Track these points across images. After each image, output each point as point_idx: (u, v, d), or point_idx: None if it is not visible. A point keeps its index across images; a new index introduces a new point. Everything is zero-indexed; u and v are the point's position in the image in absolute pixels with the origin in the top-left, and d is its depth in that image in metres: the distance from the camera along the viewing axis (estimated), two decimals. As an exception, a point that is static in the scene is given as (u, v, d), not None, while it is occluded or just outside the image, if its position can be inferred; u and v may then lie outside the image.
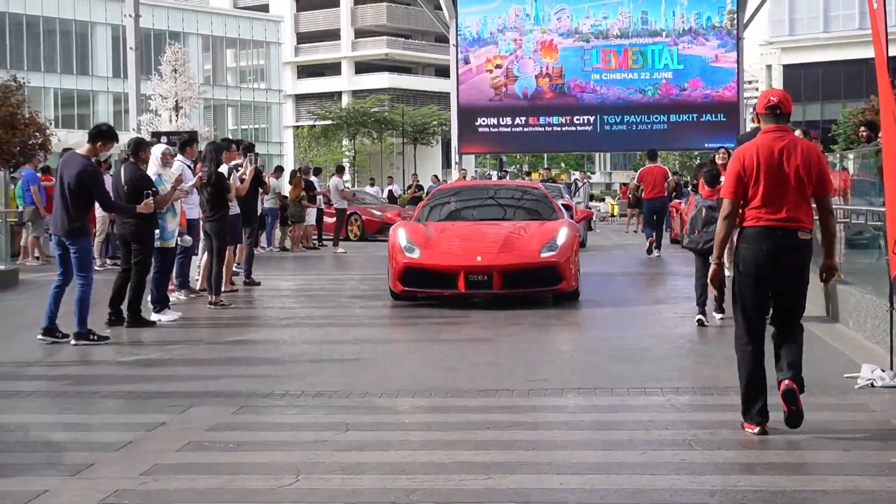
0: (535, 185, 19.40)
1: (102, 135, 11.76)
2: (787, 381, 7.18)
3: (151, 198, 12.43)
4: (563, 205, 18.31)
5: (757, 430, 7.20)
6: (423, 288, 14.57)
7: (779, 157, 7.19)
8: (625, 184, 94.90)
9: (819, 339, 11.10)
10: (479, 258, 14.24)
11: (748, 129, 14.91)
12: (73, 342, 11.43)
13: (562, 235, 14.69)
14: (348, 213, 29.93)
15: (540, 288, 14.52)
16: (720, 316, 12.96)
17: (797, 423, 7.16)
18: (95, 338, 11.56)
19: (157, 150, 14.07)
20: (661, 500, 5.78)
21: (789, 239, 7.20)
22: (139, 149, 13.16)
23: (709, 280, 7.67)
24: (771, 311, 7.47)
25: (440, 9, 38.86)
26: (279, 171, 28.87)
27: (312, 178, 29.62)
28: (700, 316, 12.83)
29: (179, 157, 15.05)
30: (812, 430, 7.31)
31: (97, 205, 12.67)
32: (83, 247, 11.53)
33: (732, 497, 5.80)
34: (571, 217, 17.74)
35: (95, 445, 7.15)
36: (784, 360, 7.36)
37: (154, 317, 13.28)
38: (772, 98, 7.37)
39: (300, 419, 7.90)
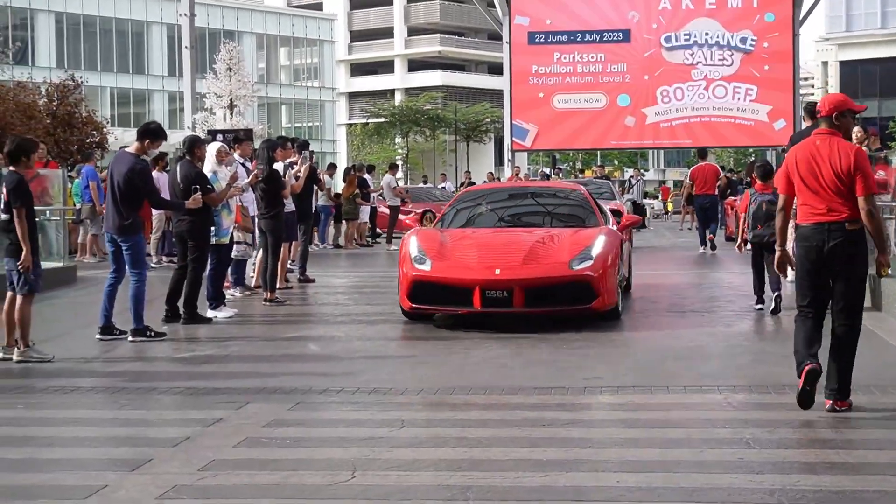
0: (576, 187, 15.39)
1: (150, 133, 11.93)
2: (814, 364, 7.64)
3: (199, 193, 12.51)
4: (612, 209, 15.62)
5: (808, 369, 7.62)
6: (434, 305, 12.31)
7: (815, 158, 7.80)
8: (662, 182, 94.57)
9: (875, 335, 10.98)
10: (497, 271, 11.97)
11: (803, 128, 14.72)
12: (129, 339, 11.52)
13: (598, 244, 12.36)
14: (422, 209, 29.81)
15: (570, 306, 12.09)
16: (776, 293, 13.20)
17: (808, 404, 7.61)
18: (152, 334, 11.65)
19: (212, 148, 14.18)
20: (719, 500, 5.73)
21: (836, 231, 7.72)
22: (194, 146, 13.24)
23: (774, 266, 8.60)
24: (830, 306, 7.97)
25: (493, 6, 38.80)
26: (332, 168, 28.95)
27: (366, 176, 29.70)
28: (759, 305, 13.45)
29: (234, 154, 15.16)
30: (872, 428, 7.24)
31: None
32: (135, 243, 11.63)
33: (792, 496, 5.75)
34: (619, 223, 14.55)
35: (153, 441, 7.20)
36: (832, 367, 7.85)
37: (210, 313, 13.36)
38: (830, 105, 7.94)
39: (356, 416, 7.92)
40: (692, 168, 26.84)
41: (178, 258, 13.54)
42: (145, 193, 11.85)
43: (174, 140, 49.66)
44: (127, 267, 11.63)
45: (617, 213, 15.90)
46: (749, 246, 13.47)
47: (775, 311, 12.96)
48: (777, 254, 8.30)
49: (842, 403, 7.76)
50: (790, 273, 10.22)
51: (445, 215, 14.24)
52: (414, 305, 12.37)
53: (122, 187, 11.51)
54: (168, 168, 22.13)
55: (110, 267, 11.91)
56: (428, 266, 12.31)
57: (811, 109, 13.12)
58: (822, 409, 7.74)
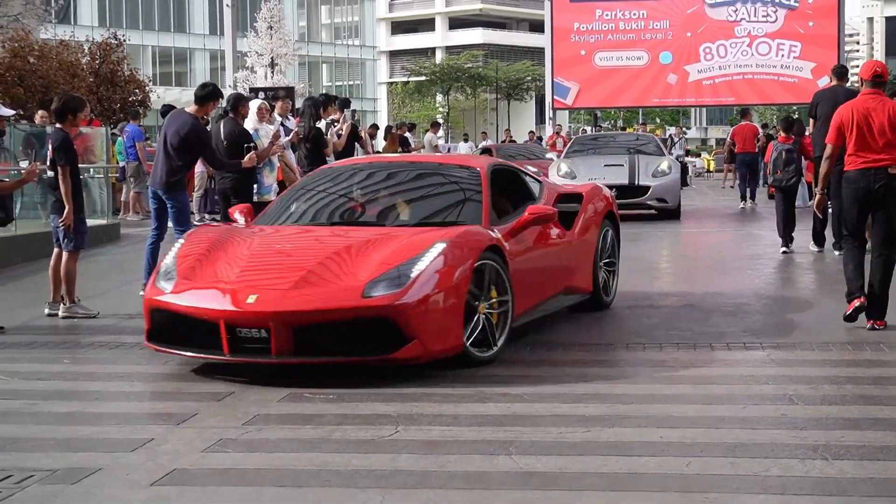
0: (476, 164, 9.90)
1: (210, 96, 11.84)
2: (863, 300, 9.16)
3: (254, 152, 12.52)
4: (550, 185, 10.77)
5: (857, 304, 9.16)
6: (173, 347, 8.04)
7: (870, 114, 9.12)
8: (704, 140, 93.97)
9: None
10: (252, 298, 7.72)
11: (827, 88, 14.82)
12: None
13: (428, 258, 7.90)
14: None
15: (362, 355, 7.75)
16: (817, 249, 14.85)
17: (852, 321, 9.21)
18: None
19: (253, 106, 14.19)
20: (762, 455, 5.72)
21: (881, 174, 9.07)
22: (238, 104, 13.24)
23: (815, 207, 10.06)
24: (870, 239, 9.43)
25: (535, -37, 38.63)
26: (374, 128, 28.93)
27: (407, 134, 29.66)
28: (784, 248, 14.90)
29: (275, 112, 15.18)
30: (917, 385, 7.21)
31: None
32: (180, 201, 11.65)
33: (835, 452, 5.73)
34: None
35: (198, 396, 7.26)
36: (872, 292, 9.19)
37: None
38: (877, 69, 9.39)
39: (400, 372, 7.93)
40: (734, 127, 28.65)
41: (220, 215, 13.58)
42: (204, 154, 11.83)
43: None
44: (172, 224, 11.67)
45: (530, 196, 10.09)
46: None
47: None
48: (818, 196, 9.87)
49: (880, 322, 9.16)
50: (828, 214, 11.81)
51: (279, 202, 9.99)
52: (151, 345, 8.20)
53: (176, 145, 11.44)
54: (209, 126, 22.23)
55: (152, 224, 11.94)
56: (170, 286, 8.21)
57: (840, 71, 14.68)
58: (867, 367, 7.73)
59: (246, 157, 12.36)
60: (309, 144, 14.83)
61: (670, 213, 21.24)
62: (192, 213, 21.00)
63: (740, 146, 26.06)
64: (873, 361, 8.00)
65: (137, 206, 22.75)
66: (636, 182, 20.84)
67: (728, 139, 29.91)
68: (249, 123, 13.69)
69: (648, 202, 20.99)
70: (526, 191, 10.01)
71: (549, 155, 29.68)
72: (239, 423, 6.52)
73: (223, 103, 13.72)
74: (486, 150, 31.40)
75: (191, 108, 11.80)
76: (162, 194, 11.60)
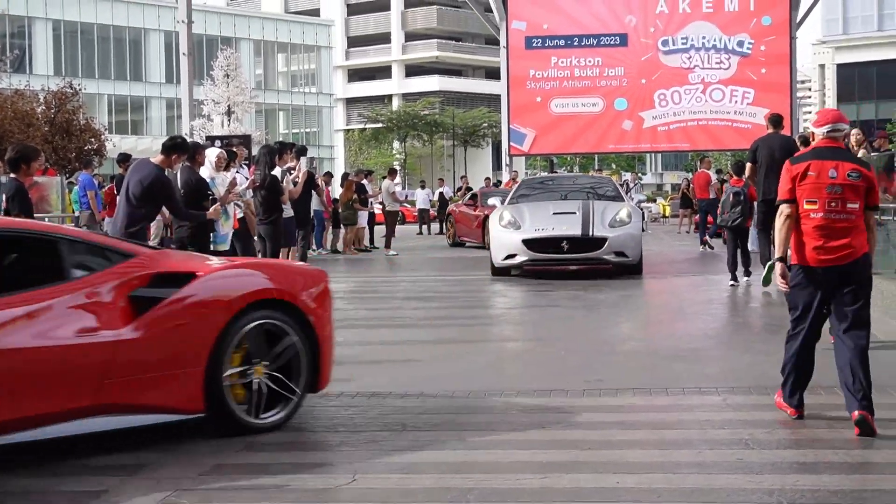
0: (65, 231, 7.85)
1: (178, 147, 11.70)
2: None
3: (218, 203, 12.52)
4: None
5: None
6: None
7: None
8: (660, 185, 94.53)
9: (873, 337, 11.02)
10: None
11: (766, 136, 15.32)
12: None
13: None
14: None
15: None
16: (747, 279, 16.54)
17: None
18: None
19: (211, 154, 14.17)
20: (718, 500, 5.76)
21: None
22: (195, 152, 13.22)
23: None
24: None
25: (490, 11, 38.85)
26: (328, 176, 29.02)
27: (364, 181, 29.74)
28: (731, 282, 16.58)
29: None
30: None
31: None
32: None
33: (791, 496, 5.77)
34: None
35: (154, 446, 7.18)
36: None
37: None
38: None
39: (356, 419, 7.93)
40: (693, 175, 31.47)
41: None
42: (168, 204, 11.74)
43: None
44: None
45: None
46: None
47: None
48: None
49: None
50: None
51: None
52: None
53: (138, 195, 11.34)
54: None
55: None
56: None
57: (776, 119, 15.46)
58: (821, 409, 7.81)
59: (211, 209, 12.33)
60: (264, 192, 14.83)
61: (631, 269, 18.71)
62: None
63: (698, 193, 27.87)
64: (826, 405, 8.06)
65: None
66: (590, 233, 18.19)
67: (689, 185, 32.00)
68: (205, 172, 13.66)
69: (605, 256, 18.26)
70: (58, 264, 7.04)
71: None
72: (195, 473, 6.48)
73: None
74: (474, 195, 31.56)
75: (156, 159, 11.75)
76: None
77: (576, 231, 18.10)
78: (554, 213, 18.69)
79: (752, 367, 9.92)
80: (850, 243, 7.45)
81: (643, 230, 23.34)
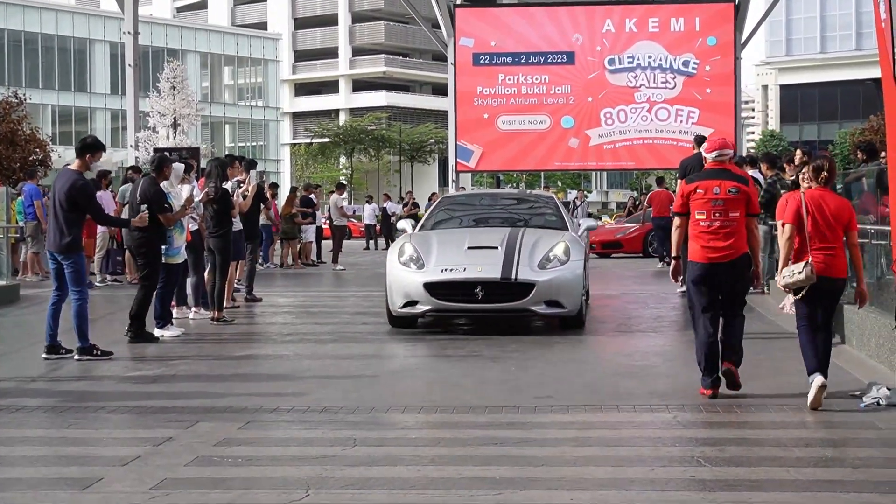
0: None
1: (88, 147, 11.77)
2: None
3: (146, 212, 12.51)
4: None
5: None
6: None
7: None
8: (605, 203, 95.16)
9: (834, 365, 11.13)
10: None
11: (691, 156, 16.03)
12: (76, 357, 11.43)
13: None
14: None
15: None
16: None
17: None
18: (98, 353, 11.55)
19: (178, 169, 14.09)
20: (672, 516, 5.78)
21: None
22: (163, 165, 13.31)
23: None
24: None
25: (438, 27, 38.92)
26: (274, 188, 28.93)
27: (311, 196, 29.67)
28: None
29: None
30: (821, 446, 7.34)
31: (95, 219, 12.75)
32: (76, 261, 11.53)
33: (744, 513, 5.80)
34: None
35: (103, 460, 7.13)
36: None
37: (157, 332, 13.27)
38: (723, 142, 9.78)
39: (308, 434, 7.89)
40: (650, 193, 31.16)
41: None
42: (88, 210, 11.75)
43: (117, 158, 49.34)
44: (69, 285, 11.54)
45: None
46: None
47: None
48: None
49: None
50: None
51: None
52: None
53: (64, 204, 11.42)
54: (111, 187, 22.04)
55: (52, 285, 11.82)
56: None
57: (700, 139, 15.76)
58: (771, 428, 7.87)
59: (137, 217, 12.39)
60: (216, 205, 14.74)
61: (568, 322, 13.94)
62: (94, 273, 20.75)
63: (656, 211, 27.50)
64: (776, 423, 8.13)
65: (36, 266, 22.39)
66: (513, 276, 13.32)
67: (644, 204, 31.81)
68: (163, 184, 13.61)
69: (531, 307, 13.40)
70: None
71: None
72: (146, 487, 6.41)
73: (148, 164, 13.73)
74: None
75: (73, 164, 11.75)
76: (58, 255, 11.48)
77: (494, 273, 13.32)
78: (469, 248, 13.89)
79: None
80: (732, 244, 9.32)
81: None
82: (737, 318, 9.47)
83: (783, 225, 9.17)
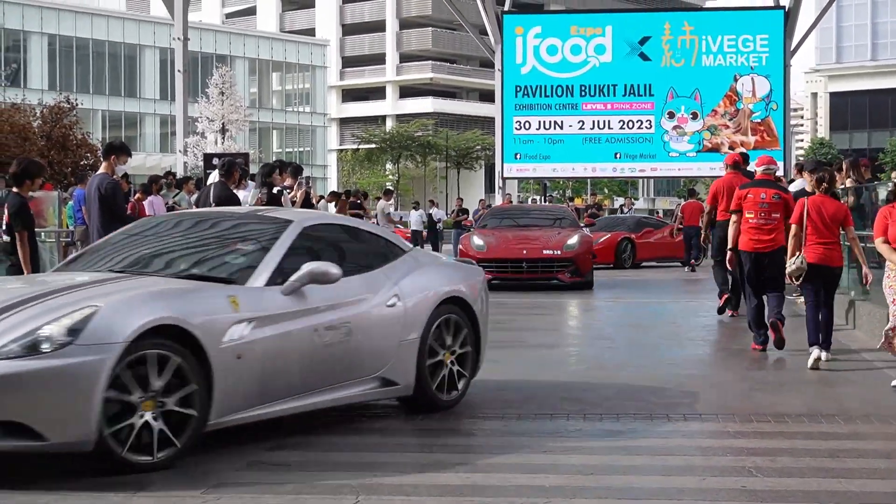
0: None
1: (114, 149, 12.06)
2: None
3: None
4: None
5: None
6: None
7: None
8: (654, 210, 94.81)
9: (874, 367, 11.07)
10: None
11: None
12: None
13: None
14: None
15: None
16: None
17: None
18: None
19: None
20: (723, 527, 5.75)
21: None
22: (232, 169, 13.59)
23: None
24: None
25: (486, 34, 38.93)
26: (333, 195, 29.04)
27: (360, 201, 29.73)
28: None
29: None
30: (874, 458, 7.28)
31: None
32: None
33: (796, 524, 5.77)
34: None
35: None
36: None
37: None
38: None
39: (356, 440, 7.92)
40: (682, 204, 32.85)
41: None
42: (114, 209, 11.88)
43: (166, 163, 49.79)
44: None
45: None
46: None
47: (720, 311, 15.86)
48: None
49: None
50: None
51: None
52: None
53: (100, 206, 11.66)
54: (162, 191, 22.21)
55: None
56: None
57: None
58: (823, 439, 7.83)
59: None
60: (266, 210, 14.80)
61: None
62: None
63: (687, 220, 28.72)
64: (828, 434, 8.08)
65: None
66: None
67: (678, 213, 32.38)
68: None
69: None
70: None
71: None
72: (198, 491, 6.46)
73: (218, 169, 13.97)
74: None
75: (102, 168, 12.21)
76: None
77: None
78: None
79: (752, 393, 9.93)
80: (773, 238, 12.12)
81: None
82: (776, 291, 12.07)
83: (791, 225, 11.57)
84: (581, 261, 21.00)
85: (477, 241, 21.44)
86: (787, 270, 11.50)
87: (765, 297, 12.21)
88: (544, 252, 20.92)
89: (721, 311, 15.66)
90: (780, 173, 19.21)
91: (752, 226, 12.23)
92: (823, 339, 11.27)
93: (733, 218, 12.58)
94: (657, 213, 77.72)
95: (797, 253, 11.27)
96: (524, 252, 21.00)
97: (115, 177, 12.18)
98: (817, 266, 11.24)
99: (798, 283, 11.45)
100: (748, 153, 19.49)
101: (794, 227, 11.48)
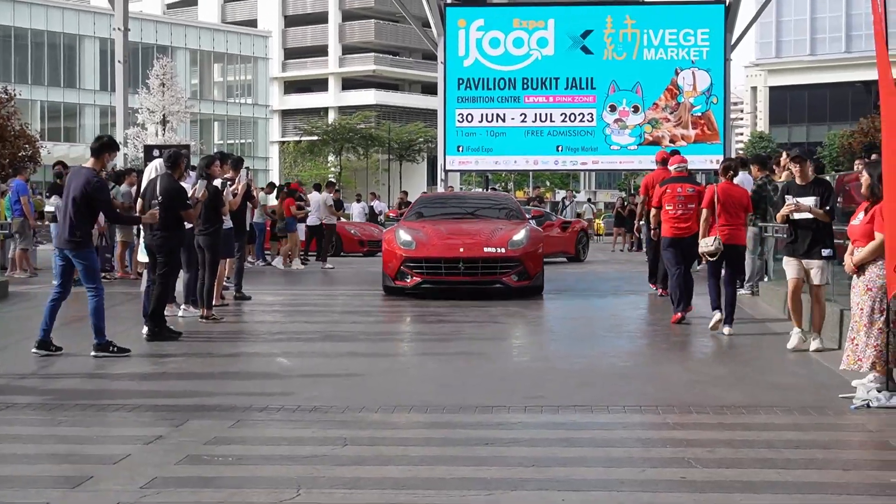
0: None
1: (106, 147, 11.82)
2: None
3: (157, 209, 12.59)
4: None
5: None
6: None
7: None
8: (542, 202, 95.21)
9: (811, 359, 11.18)
10: None
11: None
12: (93, 354, 11.39)
13: None
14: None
15: None
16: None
17: None
18: (115, 350, 11.51)
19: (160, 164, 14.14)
20: (663, 518, 5.79)
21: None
22: (178, 161, 13.42)
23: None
24: None
25: (428, 26, 38.86)
26: (271, 186, 28.87)
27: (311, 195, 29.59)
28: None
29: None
30: (811, 448, 7.35)
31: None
32: (88, 258, 11.52)
33: (735, 515, 5.82)
34: None
35: (93, 458, 7.13)
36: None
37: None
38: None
39: (298, 434, 7.89)
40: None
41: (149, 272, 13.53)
42: (102, 209, 11.76)
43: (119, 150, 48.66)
44: (83, 282, 11.55)
45: None
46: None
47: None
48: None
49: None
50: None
51: None
52: None
53: (79, 202, 11.39)
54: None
55: (55, 281, 11.78)
56: None
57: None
58: (761, 430, 7.89)
59: (147, 214, 12.45)
60: (206, 202, 14.68)
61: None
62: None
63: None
64: (766, 425, 8.14)
65: (24, 263, 22.32)
66: None
67: (624, 204, 31.83)
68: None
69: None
70: None
71: None
72: (136, 486, 6.40)
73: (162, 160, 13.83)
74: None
75: (89, 163, 11.73)
76: (69, 253, 11.45)
77: None
78: None
79: (693, 386, 9.99)
80: (689, 226, 14.03)
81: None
82: (689, 272, 14.35)
83: (702, 210, 13.38)
84: (529, 260, 17.70)
85: (404, 236, 18.04)
86: (704, 250, 13.16)
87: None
88: (485, 250, 17.49)
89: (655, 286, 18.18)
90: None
91: (672, 216, 14.33)
92: (727, 315, 13.07)
93: (653, 213, 15.52)
94: (595, 205, 78.06)
95: (714, 235, 13.06)
96: (461, 250, 17.45)
97: (103, 173, 12.06)
98: (726, 245, 13.08)
99: (712, 258, 13.14)
100: (678, 150, 21.04)
101: (705, 211, 13.30)
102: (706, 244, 13.12)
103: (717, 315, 13.15)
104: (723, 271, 13.34)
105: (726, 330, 13.02)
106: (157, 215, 12.52)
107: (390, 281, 17.79)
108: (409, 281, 17.53)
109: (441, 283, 17.57)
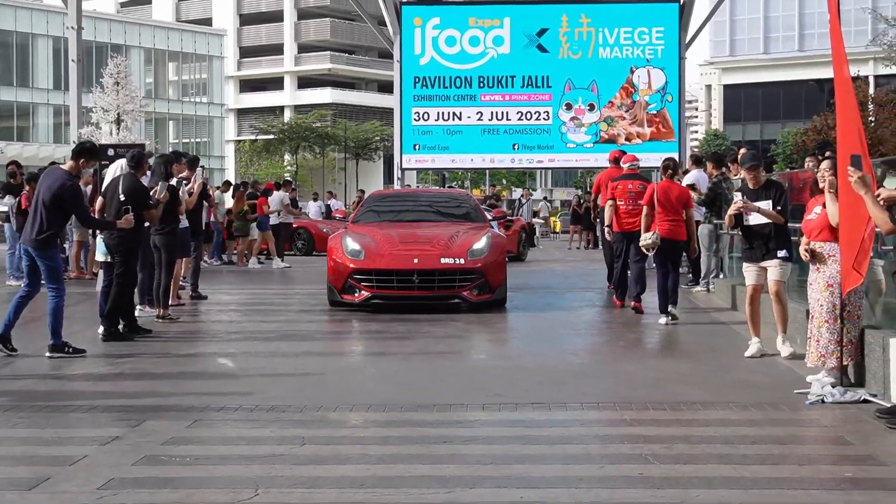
0: None
1: (86, 152, 11.76)
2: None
3: (132, 214, 12.44)
4: None
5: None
6: None
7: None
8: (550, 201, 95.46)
9: (772, 359, 11.25)
10: None
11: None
12: (47, 355, 11.30)
13: None
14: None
15: None
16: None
17: None
18: (70, 350, 11.43)
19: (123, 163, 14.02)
20: (621, 514, 5.82)
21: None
22: (142, 160, 13.31)
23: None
24: None
25: (384, 24, 38.82)
26: (227, 185, 28.73)
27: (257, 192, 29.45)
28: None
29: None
30: (767, 444, 7.41)
31: None
32: (52, 258, 11.43)
33: (692, 511, 5.85)
34: None
35: (50, 459, 7.08)
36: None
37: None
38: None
39: (255, 433, 7.87)
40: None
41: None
42: (75, 212, 11.66)
43: (59, 154, 48.97)
44: (45, 282, 11.45)
45: None
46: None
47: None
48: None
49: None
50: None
51: None
52: None
53: (48, 202, 11.30)
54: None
55: (24, 280, 11.72)
56: None
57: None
58: (718, 426, 7.95)
59: (123, 218, 12.29)
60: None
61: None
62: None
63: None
64: (723, 421, 8.20)
65: (-21, 262, 22.11)
66: None
67: (580, 202, 31.71)
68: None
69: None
70: None
71: None
72: (93, 487, 6.37)
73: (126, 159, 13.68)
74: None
75: (66, 165, 11.70)
76: (33, 252, 11.36)
77: None
78: None
79: (649, 382, 10.03)
80: (637, 221, 14.75)
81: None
82: (637, 263, 15.35)
83: (643, 206, 14.45)
84: (491, 272, 15.87)
85: (351, 244, 16.06)
86: (643, 243, 14.20)
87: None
88: (442, 261, 15.70)
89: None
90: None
91: (623, 211, 15.64)
92: (671, 295, 14.17)
93: (608, 204, 16.11)
94: (551, 203, 78.29)
95: (653, 230, 14.08)
96: (415, 261, 15.63)
97: (78, 178, 11.95)
98: (665, 239, 14.04)
99: (651, 252, 14.19)
100: (625, 149, 22.09)
101: (646, 207, 14.39)
102: (645, 238, 14.17)
103: (664, 319, 13.98)
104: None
105: (667, 319, 13.99)
106: (132, 220, 12.40)
107: (336, 295, 15.97)
108: (356, 296, 15.72)
109: (393, 299, 15.77)
